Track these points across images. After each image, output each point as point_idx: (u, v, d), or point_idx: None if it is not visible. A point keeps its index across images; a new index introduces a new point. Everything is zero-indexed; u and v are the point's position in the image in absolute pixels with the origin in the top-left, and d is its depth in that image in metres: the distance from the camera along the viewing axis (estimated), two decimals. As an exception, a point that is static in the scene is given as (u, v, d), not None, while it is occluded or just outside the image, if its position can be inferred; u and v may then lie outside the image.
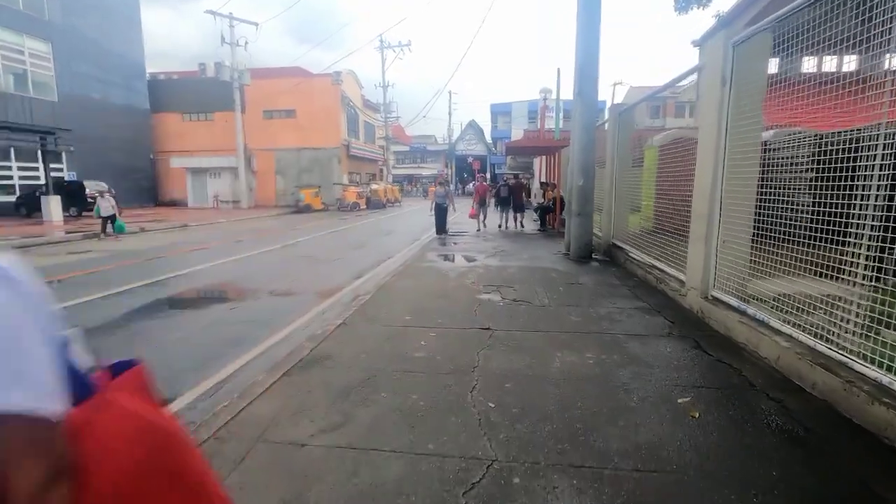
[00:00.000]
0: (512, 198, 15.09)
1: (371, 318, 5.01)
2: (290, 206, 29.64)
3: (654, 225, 7.30)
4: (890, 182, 2.80)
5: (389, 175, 42.82)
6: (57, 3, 25.48)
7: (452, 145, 59.72)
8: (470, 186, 26.81)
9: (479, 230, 14.04)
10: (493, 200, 16.21)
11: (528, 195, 29.17)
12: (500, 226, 15.11)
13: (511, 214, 15.24)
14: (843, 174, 3.08)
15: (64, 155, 25.82)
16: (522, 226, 15.27)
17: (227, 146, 30.90)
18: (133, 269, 8.80)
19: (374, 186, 31.49)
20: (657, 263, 6.46)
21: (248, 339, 4.85)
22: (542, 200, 15.88)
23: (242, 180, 30.15)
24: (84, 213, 22.44)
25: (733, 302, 4.36)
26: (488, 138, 61.11)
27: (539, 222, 15.60)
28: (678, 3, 16.33)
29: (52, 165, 24.85)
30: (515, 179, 17.18)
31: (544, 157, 19.04)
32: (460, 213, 20.99)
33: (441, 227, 13.08)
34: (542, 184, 17.10)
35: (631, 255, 7.81)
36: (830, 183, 3.18)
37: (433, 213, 13.15)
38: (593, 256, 8.97)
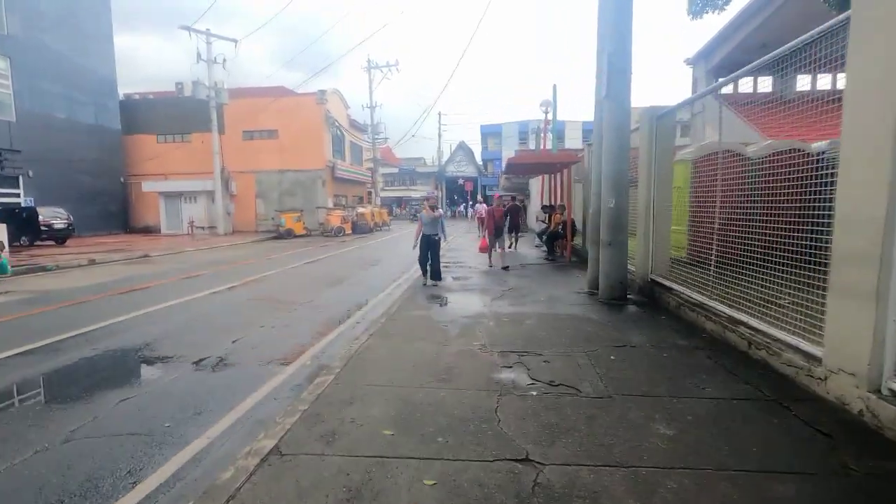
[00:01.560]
0: (509, 220, 15.42)
1: (328, 436, 3.02)
2: (270, 232, 27.65)
3: (721, 255, 5.46)
4: None
5: (378, 198, 41.02)
6: (17, 16, 23.66)
7: (442, 167, 58.33)
8: (477, 208, 23.98)
9: (491, 267, 10.78)
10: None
11: (524, 217, 27.62)
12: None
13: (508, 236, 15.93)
14: None
15: (20, 178, 23.72)
16: (515, 248, 15.41)
17: (204, 169, 28.94)
18: (21, 324, 6.73)
19: (360, 210, 29.60)
20: (747, 319, 4.57)
21: (107, 488, 2.83)
22: (547, 225, 14.05)
23: (219, 205, 28.11)
24: (37, 243, 20.28)
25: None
26: (478, 160, 59.88)
27: (545, 250, 13.77)
28: (693, 6, 14.76)
29: (2, 190, 22.80)
30: (512, 201, 17.63)
31: (546, 178, 17.33)
32: (460, 244, 19.15)
33: (435, 271, 8.79)
34: (544, 207, 15.32)
35: (685, 297, 5.93)
36: None
37: (418, 247, 8.84)
38: (629, 297, 7.09)
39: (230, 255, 16.05)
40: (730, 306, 4.92)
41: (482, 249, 11.66)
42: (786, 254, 4.14)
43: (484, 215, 20.25)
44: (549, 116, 18.69)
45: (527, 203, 31.59)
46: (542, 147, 18.30)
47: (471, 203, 41.01)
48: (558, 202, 13.69)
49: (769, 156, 6.21)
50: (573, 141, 51.04)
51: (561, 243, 12.70)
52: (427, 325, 5.80)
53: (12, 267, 11.84)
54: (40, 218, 20.07)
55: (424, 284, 8.62)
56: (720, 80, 7.07)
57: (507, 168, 13.00)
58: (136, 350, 5.41)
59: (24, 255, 15.68)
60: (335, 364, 4.41)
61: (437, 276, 8.79)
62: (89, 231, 26.41)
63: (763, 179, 5.18)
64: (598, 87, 7.46)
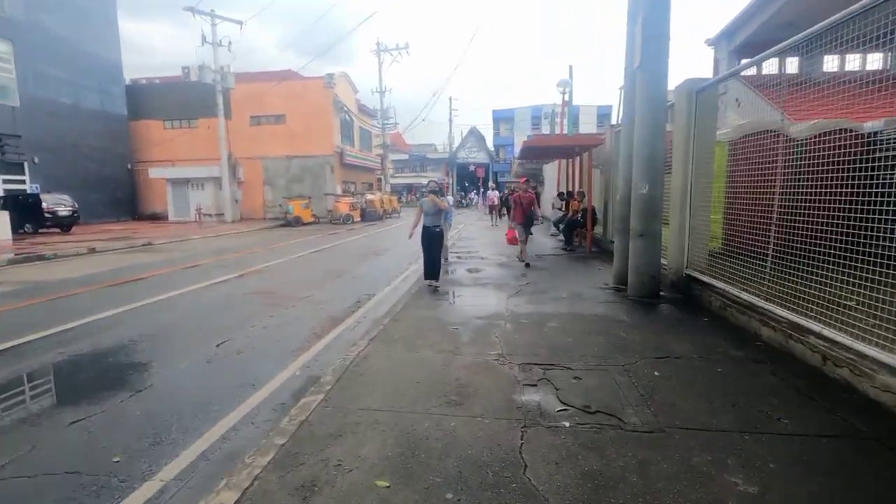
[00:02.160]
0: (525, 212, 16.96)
1: (305, 488, 2.35)
2: (278, 219, 27.16)
3: (769, 246, 4.67)
4: None
5: (387, 184, 40.29)
6: (19, -2, 23.12)
7: (453, 153, 57.33)
8: (489, 195, 24.12)
9: (522, 261, 9.23)
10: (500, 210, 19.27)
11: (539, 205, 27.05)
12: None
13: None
14: None
15: (26, 165, 23.38)
16: (531, 233, 15.95)
17: (211, 155, 28.39)
18: None
19: (369, 197, 28.92)
20: (819, 328, 3.79)
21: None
22: (564, 212, 13.24)
23: (226, 191, 27.61)
24: (42, 231, 19.94)
25: None
26: (490, 145, 58.73)
27: (563, 239, 12.98)
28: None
29: (8, 177, 22.49)
30: (527, 192, 19.40)
31: (562, 163, 16.46)
32: (472, 232, 18.45)
33: (432, 269, 7.33)
34: (560, 194, 14.48)
35: (732, 297, 5.16)
36: None
37: (422, 242, 7.37)
38: (661, 294, 6.33)
39: (235, 244, 15.50)
40: (793, 310, 4.15)
41: (510, 241, 10.17)
42: (857, 246, 3.38)
43: (496, 202, 19.45)
44: (566, 97, 17.71)
45: (540, 190, 30.67)
46: (558, 130, 17.36)
47: (482, 190, 40.00)
48: (576, 188, 12.86)
49: (816, 136, 5.38)
50: (587, 126, 49.69)
51: (580, 232, 11.91)
52: (435, 327, 5.11)
53: (12, 255, 11.38)
54: (44, 205, 19.67)
55: (427, 282, 7.27)
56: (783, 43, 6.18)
57: (522, 152, 12.17)
58: (108, 355, 4.80)
59: (26, 243, 15.29)
60: (327, 378, 3.74)
61: (434, 275, 7.25)
62: (96, 218, 26.12)
63: (814, 162, 4.37)
64: (628, 57, 6.63)
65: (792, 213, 4.62)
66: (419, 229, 7.44)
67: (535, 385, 3.52)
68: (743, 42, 21.74)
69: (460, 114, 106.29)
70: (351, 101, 34.03)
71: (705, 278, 5.90)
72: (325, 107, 29.98)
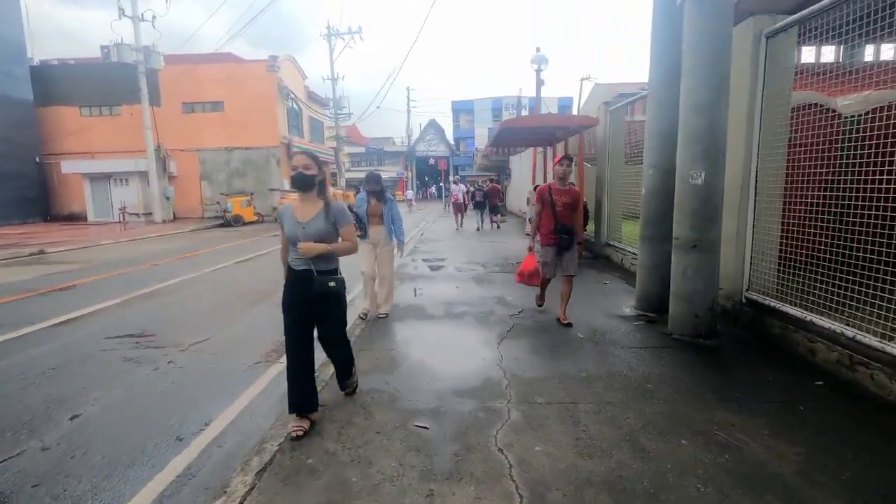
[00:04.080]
0: (487, 201, 16.33)
1: None
2: (218, 218, 24.12)
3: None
4: None
5: (342, 179, 37.49)
6: None
7: (412, 146, 54.89)
8: (453, 190, 18.28)
9: (540, 306, 5.49)
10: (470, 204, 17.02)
11: (503, 198, 25.44)
12: (477, 228, 15.68)
13: (488, 217, 16.39)
14: None
15: None
16: (499, 226, 16.13)
17: (136, 146, 24.92)
18: None
19: (320, 192, 26.13)
20: None
21: None
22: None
23: (154, 188, 24.27)
24: (-89, 237, 16.32)
25: None
26: (450, 138, 56.69)
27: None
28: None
29: None
30: (492, 182, 18.40)
31: (536, 153, 14.53)
32: (436, 232, 16.33)
33: (306, 392, 2.92)
34: (537, 187, 12.52)
35: (861, 345, 3.27)
36: None
37: (291, 313, 2.97)
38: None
39: (149, 251, 12.71)
40: None
41: (527, 277, 5.24)
42: None
43: (461, 199, 16.35)
44: (541, 76, 15.76)
45: (506, 184, 28.87)
46: (533, 113, 15.43)
47: (443, 184, 37.76)
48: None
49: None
50: (550, 118, 48.36)
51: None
52: (387, 423, 2.93)
53: None
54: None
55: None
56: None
57: (498, 137, 10.08)
58: None
59: None
60: None
61: (342, 382, 3.30)
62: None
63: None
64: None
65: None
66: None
67: None
68: None
69: (419, 106, 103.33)
70: (299, 87, 31.06)
71: (787, 308, 3.98)
72: (268, 93, 26.97)
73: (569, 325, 4.72)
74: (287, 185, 27.68)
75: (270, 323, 5.57)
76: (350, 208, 4.00)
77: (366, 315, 5.18)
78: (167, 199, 25.45)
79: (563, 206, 4.76)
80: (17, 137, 24.71)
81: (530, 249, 5.18)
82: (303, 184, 2.87)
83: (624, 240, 8.31)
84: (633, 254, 7.45)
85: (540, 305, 5.41)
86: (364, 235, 5.04)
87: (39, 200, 26.41)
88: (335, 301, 2.98)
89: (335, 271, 2.97)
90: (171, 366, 4.27)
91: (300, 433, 2.78)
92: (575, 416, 2.93)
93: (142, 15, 23.00)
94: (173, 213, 25.99)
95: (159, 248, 13.44)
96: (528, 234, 13.85)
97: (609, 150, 8.45)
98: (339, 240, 2.98)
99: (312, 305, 2.92)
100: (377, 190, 5.08)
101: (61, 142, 26.88)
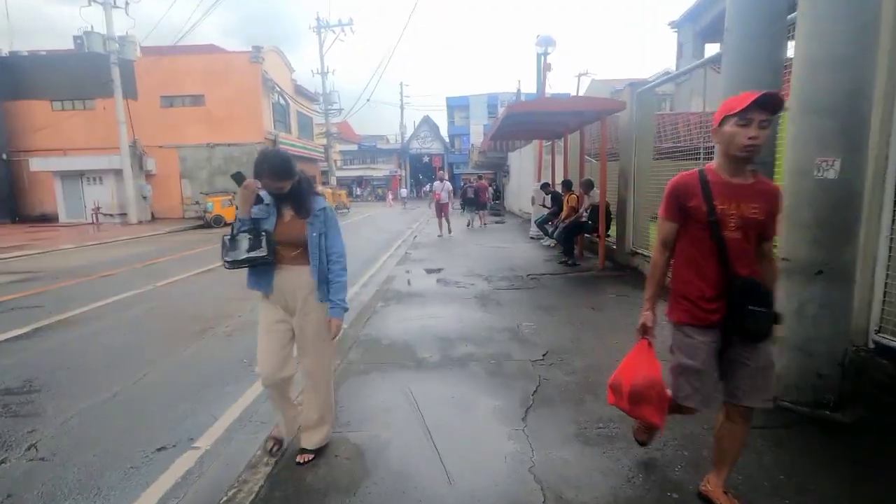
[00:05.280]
0: (476, 198, 16.24)
1: None
2: (199, 218, 22.57)
3: None
4: None
5: (333, 177, 35.96)
6: None
7: (406, 143, 53.40)
8: (435, 187, 14.26)
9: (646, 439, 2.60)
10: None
11: (496, 196, 24.19)
12: (468, 224, 15.60)
13: (477, 214, 16.08)
14: None
15: None
16: (485, 224, 15.88)
17: (111, 143, 23.25)
18: None
19: (307, 191, 24.59)
20: None
21: None
22: (552, 209, 9.91)
23: (129, 186, 22.67)
24: None
25: None
26: (445, 135, 55.19)
27: (551, 245, 9.67)
28: None
29: None
30: (479, 179, 17.99)
31: (542, 145, 13.14)
32: (428, 236, 14.96)
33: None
34: (545, 185, 11.15)
35: None
36: None
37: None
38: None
39: (109, 258, 11.20)
40: None
41: (632, 402, 2.10)
42: None
43: (444, 199, 13.40)
44: (550, 58, 14.35)
45: (504, 182, 27.48)
46: (541, 97, 14.00)
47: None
48: (558, 179, 9.49)
49: None
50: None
51: (581, 239, 8.61)
52: None
53: None
54: None
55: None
56: None
57: (502, 126, 8.63)
58: None
59: None
60: None
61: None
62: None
63: None
64: None
65: None
66: None
67: None
68: (709, 24, 20.02)
69: (413, 102, 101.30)
70: (286, 81, 29.50)
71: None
72: (252, 86, 25.42)
73: None
74: (273, 184, 26.12)
75: (203, 371, 4.12)
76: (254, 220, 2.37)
77: (276, 448, 2.59)
78: (144, 198, 23.87)
79: (745, 227, 1.86)
80: (-19, 133, 23.03)
81: (644, 331, 2.09)
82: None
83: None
84: (673, 266, 6.07)
85: (643, 443, 2.48)
86: (264, 286, 2.41)
87: (7, 200, 24.74)
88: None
89: None
90: (26, 458, 2.82)
91: None
92: None
93: (114, 0, 21.37)
94: (151, 213, 24.42)
95: (123, 254, 11.95)
96: (532, 238, 12.75)
97: (636, 138, 7.07)
98: None
99: None
100: (288, 190, 2.36)
101: (31, 137, 25.23)
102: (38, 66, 26.12)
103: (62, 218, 24.26)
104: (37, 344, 4.92)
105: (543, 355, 3.83)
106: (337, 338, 2.54)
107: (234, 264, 2.30)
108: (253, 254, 2.28)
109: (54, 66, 25.84)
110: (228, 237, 2.33)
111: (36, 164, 23.64)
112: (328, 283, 2.44)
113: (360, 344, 4.23)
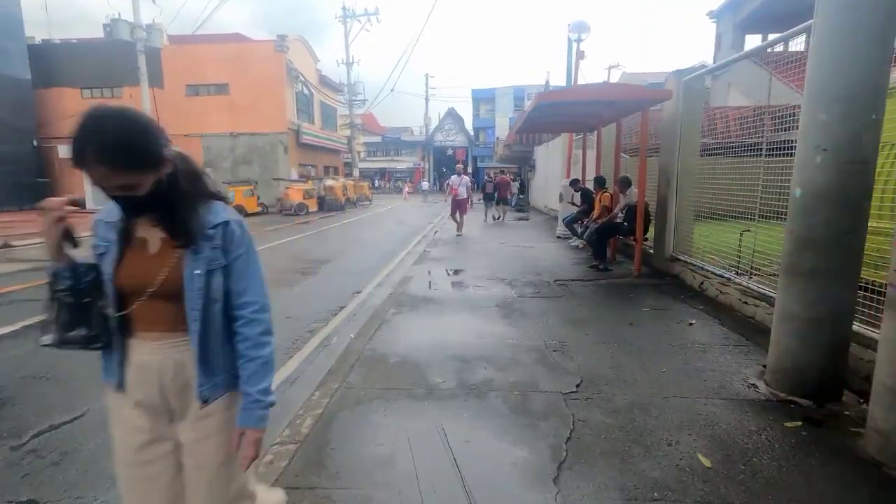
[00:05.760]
0: (496, 193, 16.18)
1: None
2: (220, 209, 22.50)
3: None
4: None
5: (356, 169, 35.67)
6: None
7: (430, 136, 52.76)
8: (452, 181, 12.61)
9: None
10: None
11: (521, 191, 23.72)
12: (484, 219, 15.61)
13: (495, 208, 16.12)
14: None
15: None
16: (499, 219, 15.89)
17: (138, 130, 23.30)
18: None
19: (328, 182, 24.35)
20: None
21: None
22: (586, 208, 9.22)
23: (153, 175, 22.68)
24: None
25: None
26: (469, 128, 54.33)
27: (581, 246, 9.00)
28: None
29: None
30: (501, 174, 18.72)
31: (573, 139, 12.39)
32: (447, 232, 14.40)
33: None
34: (574, 181, 10.44)
35: None
36: None
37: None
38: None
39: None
40: None
41: None
42: None
43: (463, 195, 12.24)
44: (581, 46, 13.53)
45: (529, 177, 26.67)
46: (573, 86, 13.20)
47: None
48: (609, 174, 8.76)
49: None
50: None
51: (615, 242, 7.91)
52: None
53: None
54: None
55: None
56: None
57: (531, 116, 7.95)
58: None
59: None
60: None
61: None
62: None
63: None
64: None
65: None
66: None
67: None
68: (749, 15, 19.32)
69: (438, 94, 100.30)
70: (310, 71, 29.23)
71: None
72: (276, 75, 25.21)
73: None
74: (295, 174, 25.97)
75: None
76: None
77: None
78: (168, 187, 23.94)
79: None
80: (13, 119, 23.42)
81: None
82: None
83: (696, 253, 6.22)
84: (722, 277, 5.36)
85: None
86: (112, 375, 1.41)
87: (37, 186, 25.12)
88: None
89: None
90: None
91: None
92: None
93: (141, -12, 21.29)
94: (174, 201, 24.51)
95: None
96: (559, 237, 11.73)
97: (682, 132, 6.33)
98: None
99: None
100: (148, 191, 1.24)
101: (61, 124, 25.55)
102: (69, 54, 26.46)
103: (89, 205, 24.43)
104: (24, 343, 4.55)
105: (577, 386, 3.23)
106: (255, 464, 1.39)
107: (61, 345, 1.34)
108: (72, 334, 1.31)
109: (84, 54, 26.13)
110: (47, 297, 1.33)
111: (65, 150, 23.86)
112: (236, 361, 1.36)
113: (364, 362, 3.70)
